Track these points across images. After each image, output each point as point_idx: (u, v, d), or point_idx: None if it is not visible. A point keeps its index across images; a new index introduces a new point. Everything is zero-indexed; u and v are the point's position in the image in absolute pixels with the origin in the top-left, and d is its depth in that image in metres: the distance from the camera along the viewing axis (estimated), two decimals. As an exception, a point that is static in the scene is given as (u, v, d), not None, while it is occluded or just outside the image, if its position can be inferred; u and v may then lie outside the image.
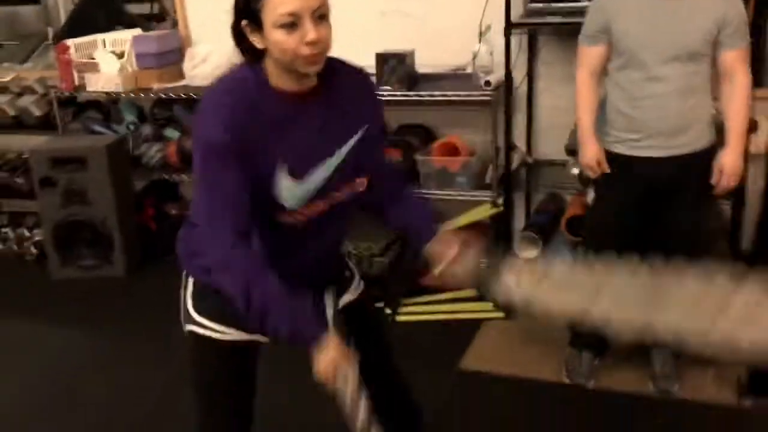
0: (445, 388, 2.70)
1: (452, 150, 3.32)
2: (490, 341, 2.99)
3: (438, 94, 3.23)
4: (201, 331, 1.64)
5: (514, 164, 3.30)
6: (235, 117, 1.41)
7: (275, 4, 1.37)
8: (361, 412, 1.46)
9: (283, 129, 1.46)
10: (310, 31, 1.37)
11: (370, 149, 1.58)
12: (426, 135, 3.49)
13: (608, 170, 2.45)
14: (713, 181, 2.39)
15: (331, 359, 1.43)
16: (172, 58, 3.82)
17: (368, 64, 3.33)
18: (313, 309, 1.53)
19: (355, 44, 3.41)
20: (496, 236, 3.25)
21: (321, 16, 1.39)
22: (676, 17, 2.25)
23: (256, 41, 1.42)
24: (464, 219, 3.21)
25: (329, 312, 1.69)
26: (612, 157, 2.43)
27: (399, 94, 3.25)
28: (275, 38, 1.39)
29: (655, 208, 2.45)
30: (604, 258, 2.52)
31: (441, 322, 3.15)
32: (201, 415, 1.73)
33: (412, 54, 3.32)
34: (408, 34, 3.41)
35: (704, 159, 2.37)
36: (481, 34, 3.21)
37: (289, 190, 1.48)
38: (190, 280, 1.67)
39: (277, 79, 1.45)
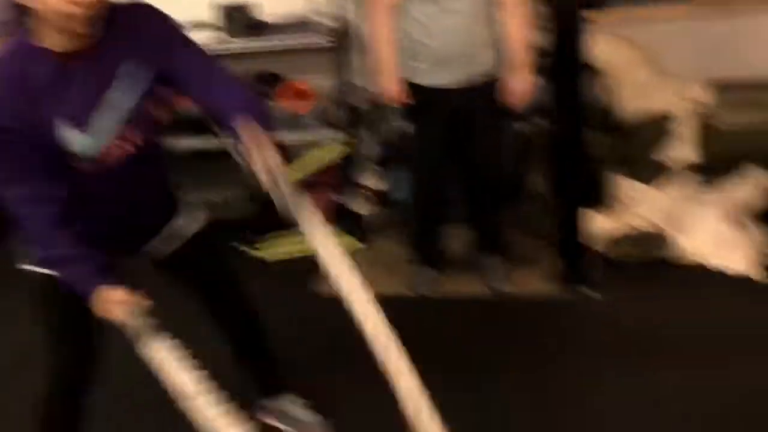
0: (300, 310, 2.92)
1: (302, 94, 3.47)
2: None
3: (281, 43, 3.36)
4: (39, 269, 1.70)
5: (359, 103, 3.49)
6: (7, 96, 1.47)
7: None
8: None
9: (58, 88, 1.51)
10: None
11: (184, 80, 1.61)
12: (275, 82, 3.62)
13: (410, 101, 2.64)
14: (507, 101, 2.63)
15: (117, 299, 1.56)
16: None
17: (213, 16, 3.42)
18: (95, 267, 1.61)
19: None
20: (346, 171, 3.45)
21: None
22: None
23: (26, 1, 1.43)
24: (314, 158, 3.39)
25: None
26: (414, 89, 2.62)
27: (244, 44, 3.36)
28: None
29: (459, 137, 2.69)
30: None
31: (297, 254, 3.31)
32: (50, 356, 1.82)
33: (255, 4, 3.42)
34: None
35: (494, 84, 2.61)
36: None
37: (78, 141, 1.54)
38: None
39: (49, 40, 1.48)
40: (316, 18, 3.37)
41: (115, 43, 1.56)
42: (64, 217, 1.56)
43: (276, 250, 3.33)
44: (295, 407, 2.23)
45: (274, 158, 1.51)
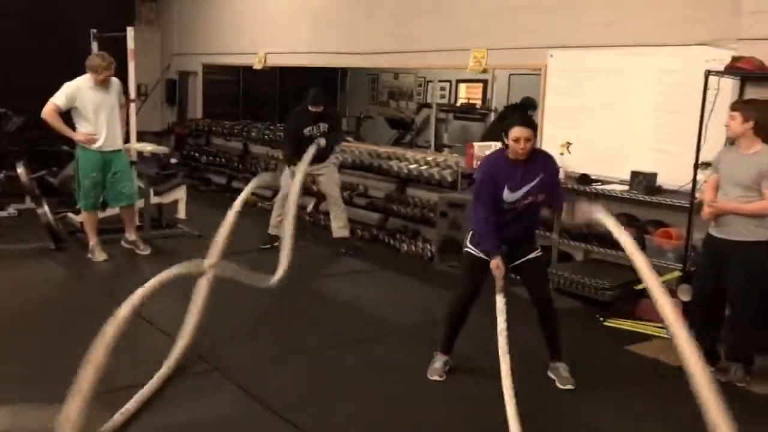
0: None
1: (670, 236, 4.86)
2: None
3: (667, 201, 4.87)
4: (469, 249, 3.82)
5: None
6: (491, 168, 3.74)
7: None
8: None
9: (510, 173, 3.66)
10: None
11: (550, 194, 3.78)
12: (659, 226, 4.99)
13: None
14: None
15: (495, 264, 3.65)
16: None
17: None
18: (497, 243, 3.67)
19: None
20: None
21: None
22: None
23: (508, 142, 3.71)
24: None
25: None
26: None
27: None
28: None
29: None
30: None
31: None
32: (459, 288, 3.89)
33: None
34: None
35: None
36: None
37: (508, 196, 3.63)
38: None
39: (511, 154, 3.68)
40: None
41: (536, 166, 3.68)
42: (493, 218, 3.67)
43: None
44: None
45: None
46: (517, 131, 3.57)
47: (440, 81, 9.68)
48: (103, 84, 5.72)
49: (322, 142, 6.26)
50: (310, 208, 7.80)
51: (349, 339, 4.42)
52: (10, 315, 4.60)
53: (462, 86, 9.99)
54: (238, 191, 9.15)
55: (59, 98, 5.64)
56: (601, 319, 4.76)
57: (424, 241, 6.56)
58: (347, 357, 4.15)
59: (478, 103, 9.77)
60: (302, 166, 6.04)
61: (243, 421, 3.34)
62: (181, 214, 7.40)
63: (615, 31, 5.32)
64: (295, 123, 6.37)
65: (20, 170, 6.20)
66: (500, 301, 3.59)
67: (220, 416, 3.36)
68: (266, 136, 8.78)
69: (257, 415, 3.38)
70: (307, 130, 6.28)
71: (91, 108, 5.72)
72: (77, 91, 5.67)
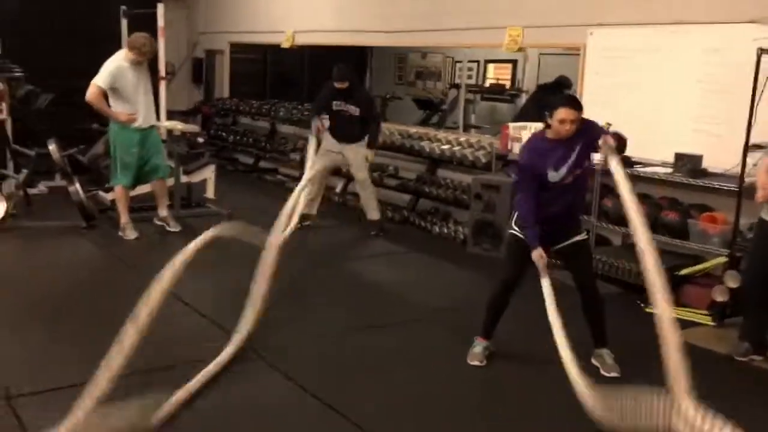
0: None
1: (714, 220, 4.69)
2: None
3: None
4: (513, 231, 3.72)
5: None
6: (532, 153, 3.62)
7: None
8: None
9: (550, 153, 3.58)
10: None
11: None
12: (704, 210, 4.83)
13: None
14: None
15: (538, 255, 3.55)
16: None
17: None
18: (536, 233, 3.56)
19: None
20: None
21: None
22: None
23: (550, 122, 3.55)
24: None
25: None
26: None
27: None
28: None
29: None
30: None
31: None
32: (501, 272, 3.79)
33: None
34: None
35: None
36: None
37: (552, 175, 3.54)
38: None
39: (552, 134, 3.57)
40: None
41: (577, 138, 3.54)
42: (536, 209, 3.56)
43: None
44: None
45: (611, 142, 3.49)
46: (564, 112, 3.46)
47: (469, 61, 9.56)
48: (139, 63, 5.68)
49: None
50: (339, 188, 7.74)
51: (385, 322, 4.36)
52: (51, 295, 4.59)
53: (490, 66, 9.86)
54: (266, 171, 9.39)
55: (102, 80, 5.60)
56: (642, 305, 4.60)
57: (456, 223, 6.47)
58: (384, 340, 4.08)
59: (507, 83, 9.64)
60: (310, 153, 6.10)
61: (284, 402, 3.31)
62: (210, 193, 7.37)
63: (657, 8, 5.16)
64: (326, 93, 6.33)
65: (52, 147, 6.18)
66: (546, 285, 3.53)
67: (259, 399, 3.32)
68: (294, 116, 8.71)
69: (297, 398, 3.35)
70: (335, 104, 6.24)
71: (131, 87, 5.70)
72: (118, 71, 5.64)
